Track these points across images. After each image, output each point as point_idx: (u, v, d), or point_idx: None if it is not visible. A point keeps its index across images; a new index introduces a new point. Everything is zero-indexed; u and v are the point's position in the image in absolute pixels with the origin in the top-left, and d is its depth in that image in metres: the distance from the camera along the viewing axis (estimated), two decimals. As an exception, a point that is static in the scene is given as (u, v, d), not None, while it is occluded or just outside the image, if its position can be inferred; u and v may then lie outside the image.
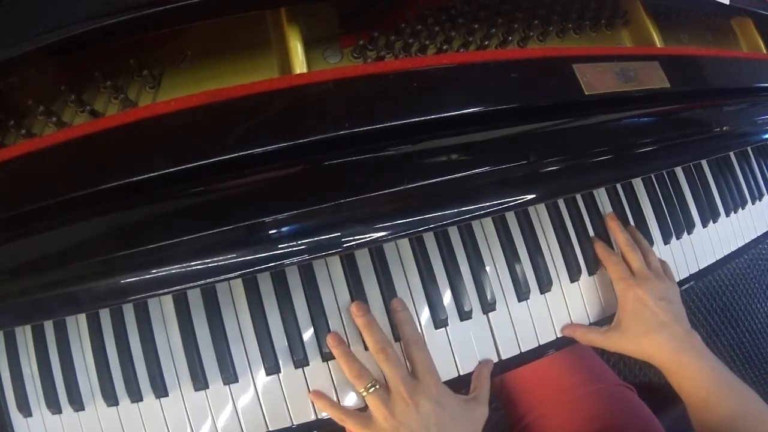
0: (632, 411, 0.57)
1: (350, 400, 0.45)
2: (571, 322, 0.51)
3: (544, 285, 0.50)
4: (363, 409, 0.44)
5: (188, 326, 0.44)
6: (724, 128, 0.54)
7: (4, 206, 0.36)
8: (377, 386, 0.42)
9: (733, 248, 0.64)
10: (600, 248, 0.52)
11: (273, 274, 0.45)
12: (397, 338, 0.46)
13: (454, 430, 0.41)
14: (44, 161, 0.37)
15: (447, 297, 0.48)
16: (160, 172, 0.35)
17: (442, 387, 0.43)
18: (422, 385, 0.42)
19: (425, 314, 0.47)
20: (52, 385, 0.43)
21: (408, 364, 0.44)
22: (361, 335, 0.45)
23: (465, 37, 0.51)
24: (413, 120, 0.39)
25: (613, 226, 0.53)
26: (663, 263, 0.54)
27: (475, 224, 0.50)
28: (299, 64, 0.43)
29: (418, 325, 0.47)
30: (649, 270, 0.50)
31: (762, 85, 0.59)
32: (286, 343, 0.44)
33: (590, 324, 0.52)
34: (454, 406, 0.42)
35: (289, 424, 0.44)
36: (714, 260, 0.61)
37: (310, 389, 0.44)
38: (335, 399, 0.45)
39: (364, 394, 0.42)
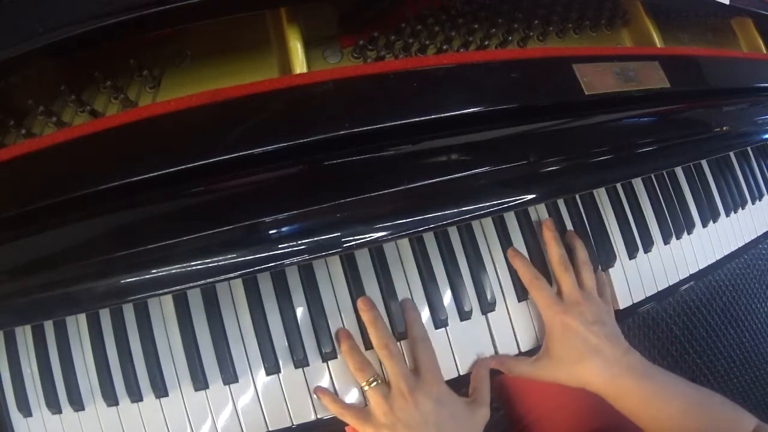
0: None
1: (350, 399, 0.45)
2: None
3: (544, 285, 0.50)
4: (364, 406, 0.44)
5: (188, 326, 0.44)
6: (724, 128, 0.54)
7: (4, 206, 0.36)
8: (379, 381, 0.42)
9: (733, 248, 0.63)
10: (523, 271, 0.47)
11: (273, 274, 0.45)
12: (399, 338, 0.46)
13: (453, 430, 0.41)
14: (44, 161, 0.37)
15: (447, 297, 0.48)
16: (160, 172, 0.35)
17: (444, 386, 0.43)
18: (423, 383, 0.42)
19: (425, 314, 0.47)
20: (52, 385, 0.43)
21: (411, 361, 0.44)
22: (361, 335, 0.45)
23: (465, 37, 0.51)
24: (413, 120, 0.39)
25: (548, 237, 0.48)
26: (599, 279, 0.50)
27: (475, 224, 0.50)
28: (299, 64, 0.43)
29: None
30: (581, 291, 0.46)
31: (762, 85, 0.59)
32: (286, 343, 0.44)
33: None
34: (455, 407, 0.42)
35: (289, 424, 0.44)
36: (714, 260, 0.61)
37: (311, 389, 0.44)
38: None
39: (366, 388, 0.42)
